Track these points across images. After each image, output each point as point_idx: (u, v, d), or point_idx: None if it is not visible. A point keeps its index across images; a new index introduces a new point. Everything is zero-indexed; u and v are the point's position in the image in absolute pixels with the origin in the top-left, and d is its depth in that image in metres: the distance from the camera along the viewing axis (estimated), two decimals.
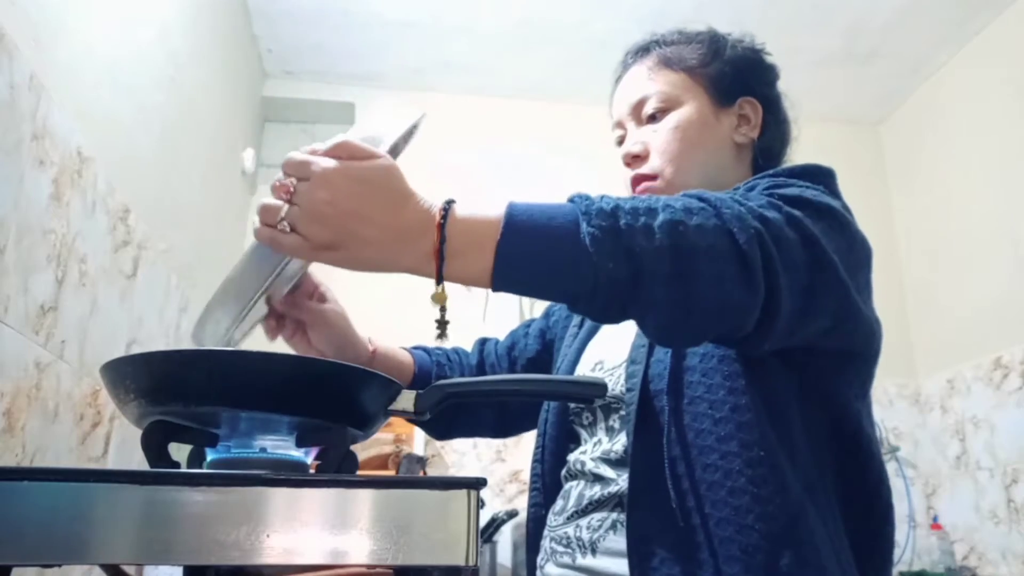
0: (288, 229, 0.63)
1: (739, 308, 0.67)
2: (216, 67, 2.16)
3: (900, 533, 2.59)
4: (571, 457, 0.94)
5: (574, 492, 0.90)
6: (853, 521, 0.81)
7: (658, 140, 0.94)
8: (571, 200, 0.66)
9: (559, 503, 0.93)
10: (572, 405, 0.96)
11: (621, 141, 1.01)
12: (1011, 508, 2.28)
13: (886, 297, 2.84)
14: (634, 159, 0.96)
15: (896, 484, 2.62)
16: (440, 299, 0.68)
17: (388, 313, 2.61)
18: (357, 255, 0.64)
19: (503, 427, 1.11)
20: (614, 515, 0.84)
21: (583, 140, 2.57)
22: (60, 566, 0.52)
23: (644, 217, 0.64)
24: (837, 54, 2.64)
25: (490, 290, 0.66)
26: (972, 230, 2.54)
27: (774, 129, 0.99)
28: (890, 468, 2.63)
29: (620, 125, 1.01)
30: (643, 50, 1.01)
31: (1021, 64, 2.38)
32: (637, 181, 0.96)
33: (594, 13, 2.45)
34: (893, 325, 3.02)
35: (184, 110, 1.85)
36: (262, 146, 2.78)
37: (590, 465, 0.89)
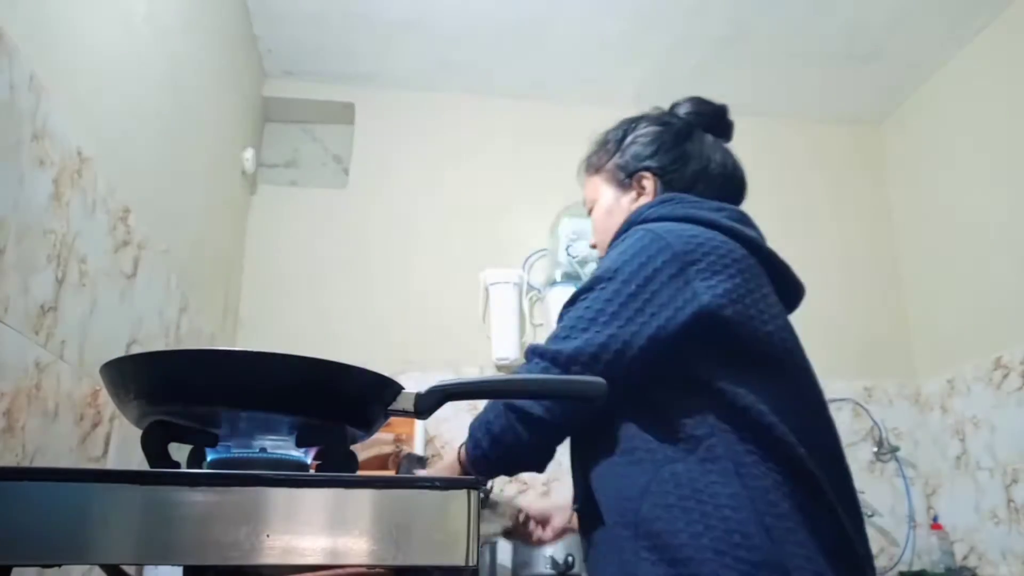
0: None
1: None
2: (216, 67, 2.16)
3: (900, 533, 2.59)
4: None
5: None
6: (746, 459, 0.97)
7: (592, 225, 1.29)
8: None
9: None
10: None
11: None
12: (1011, 508, 2.28)
13: (886, 297, 2.86)
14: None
15: (896, 484, 2.62)
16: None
17: (399, 317, 2.62)
18: None
19: None
20: None
21: (583, 140, 2.57)
22: (60, 566, 0.52)
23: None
24: (837, 54, 2.64)
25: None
26: (972, 230, 2.54)
27: (677, 184, 1.20)
28: (890, 468, 2.63)
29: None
30: (582, 162, 1.33)
31: (1021, 64, 2.38)
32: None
33: (594, 13, 2.45)
34: (893, 325, 3.04)
35: (184, 110, 1.85)
36: (262, 146, 2.78)
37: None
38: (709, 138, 1.23)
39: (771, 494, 0.92)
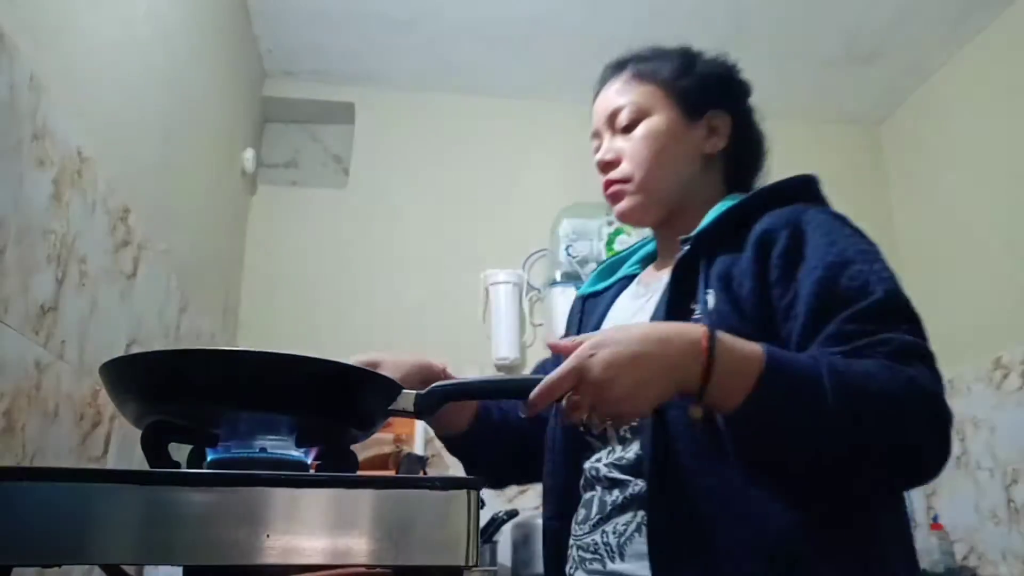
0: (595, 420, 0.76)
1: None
2: (216, 67, 2.16)
3: None
4: (587, 465, 0.96)
5: (595, 500, 0.92)
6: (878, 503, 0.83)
7: (630, 147, 1.00)
8: (811, 357, 0.76)
9: (581, 512, 0.95)
10: None
11: (598, 150, 1.05)
12: (1011, 508, 2.28)
13: None
14: (606, 165, 1.02)
15: None
16: (696, 414, 0.76)
17: (399, 317, 2.62)
18: (644, 399, 0.74)
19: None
20: (638, 517, 0.86)
21: (583, 140, 2.57)
22: (60, 566, 0.52)
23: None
24: (837, 54, 2.64)
25: (727, 418, 0.75)
26: (972, 230, 2.54)
27: (744, 140, 1.03)
28: None
29: (597, 135, 1.06)
30: (620, 65, 1.07)
31: (1021, 64, 2.38)
32: (608, 185, 1.02)
33: (595, 14, 2.45)
34: None
35: (184, 110, 1.85)
36: (262, 146, 2.78)
37: (604, 471, 0.91)
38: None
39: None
